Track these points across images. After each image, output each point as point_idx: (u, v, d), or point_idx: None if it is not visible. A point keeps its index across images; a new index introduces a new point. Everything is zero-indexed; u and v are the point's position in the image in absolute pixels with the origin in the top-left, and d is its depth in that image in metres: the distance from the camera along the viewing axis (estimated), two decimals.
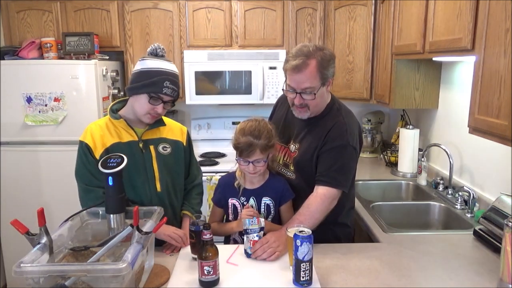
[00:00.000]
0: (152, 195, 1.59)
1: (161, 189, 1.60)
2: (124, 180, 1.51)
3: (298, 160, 1.66)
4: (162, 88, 1.49)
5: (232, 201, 1.65)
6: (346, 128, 1.60)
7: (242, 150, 1.53)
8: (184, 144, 1.71)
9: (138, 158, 1.56)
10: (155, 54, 1.54)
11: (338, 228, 1.75)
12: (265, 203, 1.63)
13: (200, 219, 1.48)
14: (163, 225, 1.51)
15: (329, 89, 1.63)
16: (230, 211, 1.67)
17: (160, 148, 1.61)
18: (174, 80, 1.52)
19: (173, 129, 1.69)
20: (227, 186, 1.67)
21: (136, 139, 1.57)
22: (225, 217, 1.73)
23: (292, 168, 1.69)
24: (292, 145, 1.71)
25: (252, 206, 1.62)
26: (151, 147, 1.59)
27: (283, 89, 1.63)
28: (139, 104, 1.52)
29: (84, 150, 1.51)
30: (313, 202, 1.56)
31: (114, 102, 1.64)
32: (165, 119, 1.66)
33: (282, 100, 1.84)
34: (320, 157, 1.61)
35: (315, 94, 1.54)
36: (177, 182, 1.69)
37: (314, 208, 1.54)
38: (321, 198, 1.56)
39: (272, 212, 1.64)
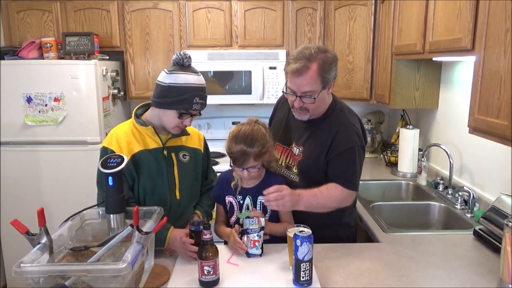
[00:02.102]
0: (172, 202, 1.60)
1: (180, 196, 1.61)
2: (147, 187, 1.54)
3: (303, 164, 1.65)
4: (192, 104, 1.47)
5: (228, 198, 1.65)
6: (353, 129, 1.61)
7: (235, 159, 1.52)
8: (202, 151, 1.71)
9: (162, 165, 1.56)
10: (181, 65, 1.50)
11: (341, 229, 1.75)
12: (260, 202, 1.62)
13: (200, 219, 1.48)
14: (175, 235, 1.50)
15: (330, 91, 1.62)
16: (227, 208, 1.67)
17: (180, 155, 1.62)
18: (203, 95, 1.51)
19: (192, 137, 1.69)
20: (226, 183, 1.67)
21: (161, 146, 1.57)
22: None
23: (295, 170, 1.69)
24: (295, 148, 1.69)
25: (248, 205, 1.62)
26: (173, 155, 1.60)
27: (283, 91, 1.63)
28: (168, 118, 1.51)
29: None
30: (333, 188, 1.58)
31: (138, 106, 1.62)
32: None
33: (283, 100, 1.82)
34: (331, 161, 1.60)
35: (315, 98, 1.53)
36: (195, 189, 1.70)
37: (333, 193, 1.57)
38: (342, 190, 1.58)
39: (269, 210, 1.63)
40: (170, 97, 1.47)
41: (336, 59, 1.57)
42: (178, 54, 1.49)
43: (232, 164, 1.57)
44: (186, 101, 1.47)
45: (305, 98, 1.54)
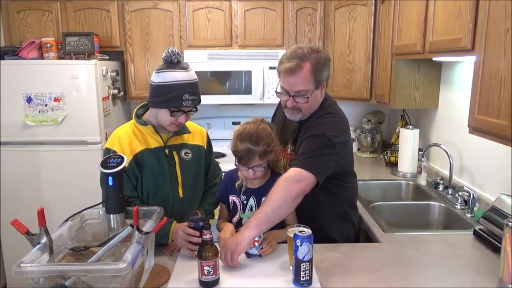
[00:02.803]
0: (174, 201, 1.60)
1: (183, 194, 1.62)
2: (150, 186, 1.55)
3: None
4: (182, 101, 1.47)
5: (232, 197, 1.64)
6: (325, 121, 1.58)
7: (241, 157, 1.51)
8: (205, 148, 1.71)
9: (163, 164, 1.57)
10: (170, 62, 1.48)
11: (344, 228, 1.75)
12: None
13: (199, 216, 1.47)
14: (177, 227, 1.50)
15: (323, 92, 1.62)
16: (230, 208, 1.66)
17: (182, 153, 1.62)
18: (193, 90, 1.49)
19: (194, 134, 1.69)
20: (231, 182, 1.65)
21: (162, 145, 1.58)
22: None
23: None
24: (289, 148, 1.70)
25: (251, 206, 1.61)
26: (174, 153, 1.60)
27: (276, 91, 1.62)
28: (162, 117, 1.52)
29: None
30: (279, 181, 1.44)
31: (138, 106, 1.63)
32: (187, 123, 1.64)
33: None
34: (300, 145, 1.58)
35: (308, 97, 1.53)
36: (198, 187, 1.71)
37: (274, 191, 1.43)
38: (285, 180, 1.44)
39: None
40: (160, 96, 1.48)
41: (328, 59, 1.57)
42: (167, 52, 1.48)
43: (237, 163, 1.55)
44: (175, 98, 1.47)
45: (298, 97, 1.54)
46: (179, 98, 1.47)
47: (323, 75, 1.54)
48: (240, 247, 1.38)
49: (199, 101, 1.54)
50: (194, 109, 1.55)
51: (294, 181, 1.44)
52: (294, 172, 1.46)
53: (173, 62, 1.49)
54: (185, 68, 1.51)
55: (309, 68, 1.50)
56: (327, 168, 1.53)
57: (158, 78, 1.48)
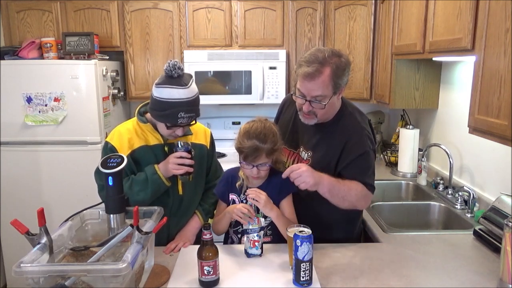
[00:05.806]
0: (174, 198, 1.62)
1: (183, 192, 1.63)
2: None
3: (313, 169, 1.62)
4: (177, 119, 1.46)
5: (232, 196, 1.63)
6: (365, 133, 1.59)
7: (247, 154, 1.49)
8: (208, 147, 1.72)
9: (161, 161, 1.56)
10: (170, 76, 1.45)
11: (349, 228, 1.75)
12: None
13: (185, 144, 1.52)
14: (166, 160, 1.53)
15: (340, 96, 1.59)
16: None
17: None
18: (190, 108, 1.47)
19: (197, 133, 1.69)
20: (232, 180, 1.64)
21: (162, 142, 1.58)
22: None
23: None
24: (303, 152, 1.66)
25: (250, 205, 1.60)
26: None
27: (292, 94, 1.59)
28: (160, 128, 1.54)
29: (108, 151, 1.51)
30: (354, 182, 1.54)
31: (141, 104, 1.63)
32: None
33: (289, 101, 1.78)
34: (346, 168, 1.58)
35: (325, 104, 1.49)
36: (199, 185, 1.71)
37: (354, 186, 1.54)
38: (362, 187, 1.55)
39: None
40: (157, 110, 1.48)
41: (349, 63, 1.53)
42: (168, 65, 1.44)
43: (242, 161, 1.54)
44: (170, 116, 1.46)
45: (314, 103, 1.50)
46: (174, 116, 1.45)
47: (342, 81, 1.51)
48: (318, 186, 1.46)
49: (197, 116, 1.52)
50: (193, 122, 1.54)
51: (364, 201, 1.59)
52: (367, 195, 1.58)
53: (173, 76, 1.45)
54: (184, 84, 1.45)
55: (329, 73, 1.46)
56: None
57: (156, 92, 1.47)
